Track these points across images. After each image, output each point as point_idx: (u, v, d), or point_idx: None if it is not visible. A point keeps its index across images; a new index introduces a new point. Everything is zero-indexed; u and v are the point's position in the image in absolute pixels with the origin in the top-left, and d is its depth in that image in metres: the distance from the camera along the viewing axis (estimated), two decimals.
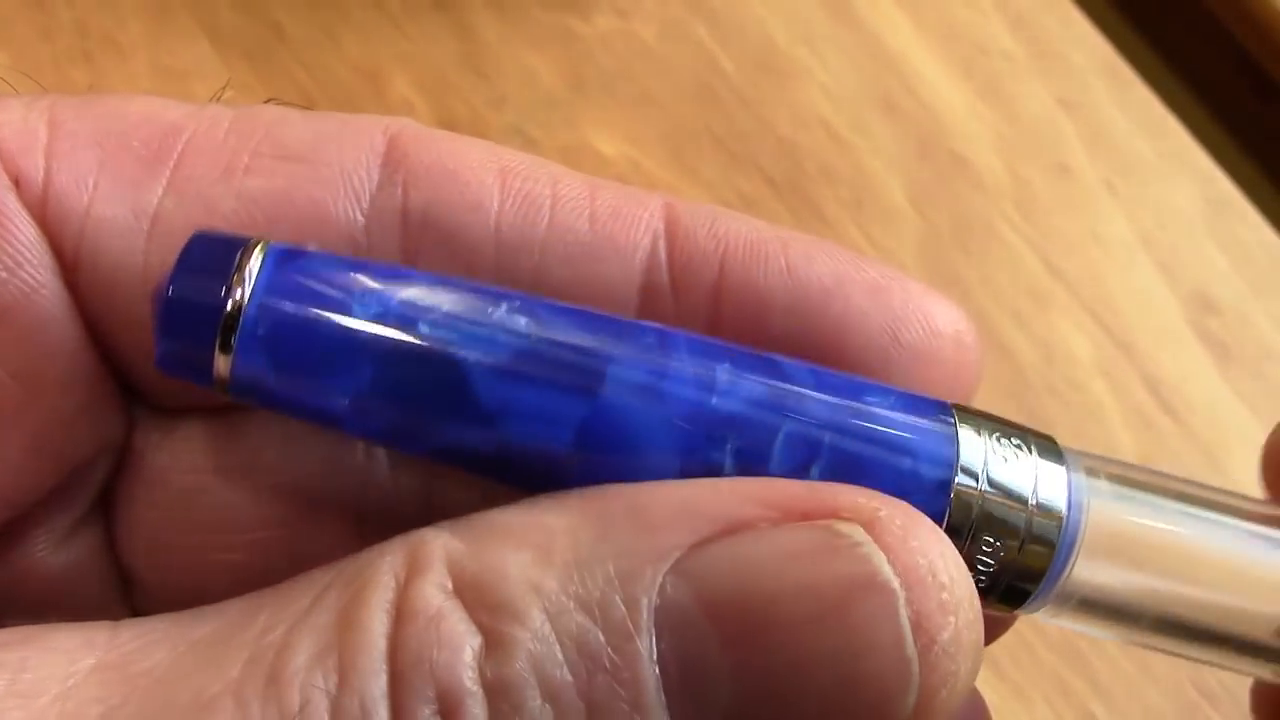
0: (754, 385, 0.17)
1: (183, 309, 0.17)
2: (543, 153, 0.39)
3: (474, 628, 0.15)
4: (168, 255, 0.18)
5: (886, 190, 0.40)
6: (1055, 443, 0.18)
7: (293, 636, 0.15)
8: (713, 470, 0.17)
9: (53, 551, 0.20)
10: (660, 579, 0.15)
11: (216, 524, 0.20)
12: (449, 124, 0.39)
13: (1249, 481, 0.37)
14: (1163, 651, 0.19)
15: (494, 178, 0.20)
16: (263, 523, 0.20)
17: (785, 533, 0.16)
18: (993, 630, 0.20)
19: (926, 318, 0.20)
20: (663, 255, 0.20)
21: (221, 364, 0.17)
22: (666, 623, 0.15)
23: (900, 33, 0.43)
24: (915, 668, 0.15)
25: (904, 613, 0.15)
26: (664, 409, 0.17)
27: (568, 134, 0.39)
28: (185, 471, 0.20)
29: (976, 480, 0.17)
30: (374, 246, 0.20)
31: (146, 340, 0.19)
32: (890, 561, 0.15)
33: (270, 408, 0.18)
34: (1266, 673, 0.19)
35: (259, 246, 0.17)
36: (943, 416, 0.18)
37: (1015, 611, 0.18)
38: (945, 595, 0.16)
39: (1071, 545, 0.18)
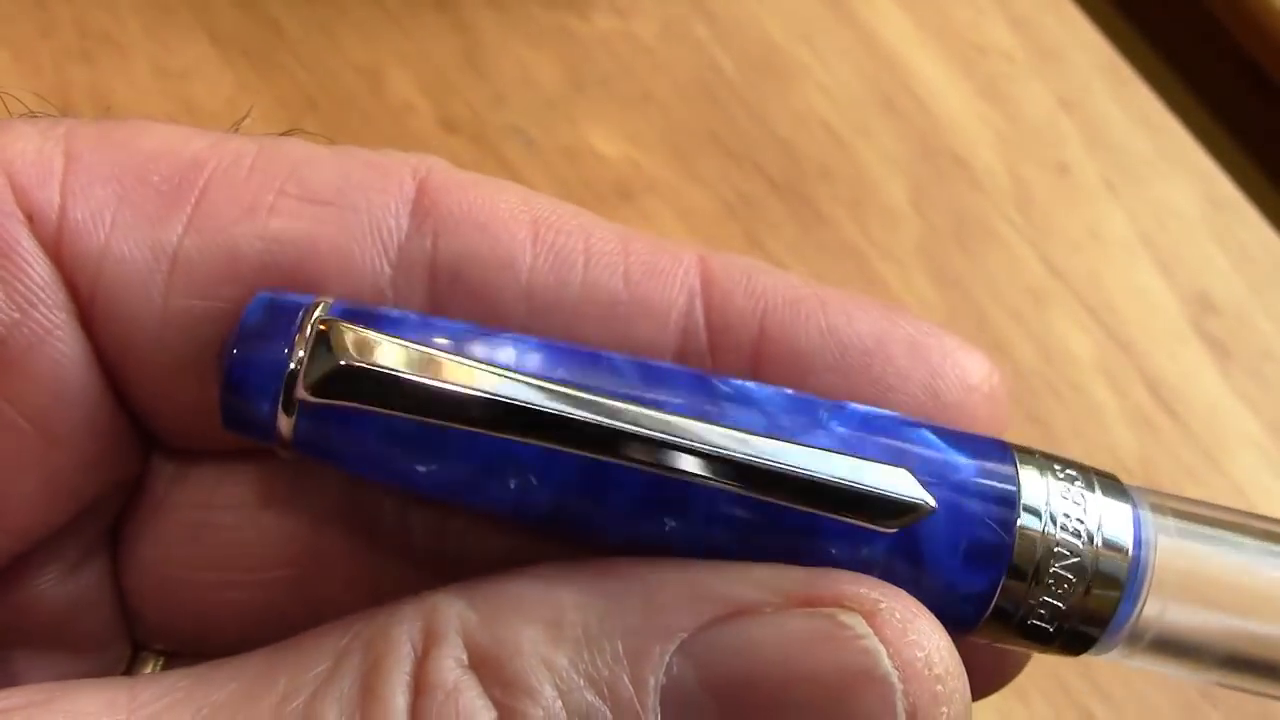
0: (807, 429, 0.17)
1: (246, 370, 0.17)
2: (543, 153, 0.39)
3: (489, 703, 0.16)
4: (187, 298, 0.18)
5: (886, 190, 0.40)
6: (1118, 480, 0.18)
7: (316, 705, 0.16)
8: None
9: (59, 583, 0.20)
10: (667, 659, 0.16)
11: (225, 561, 0.20)
12: (449, 124, 0.39)
13: (1248, 481, 0.37)
14: (1241, 690, 0.19)
15: (526, 230, 0.19)
16: (272, 562, 0.20)
17: (789, 619, 0.16)
18: (1012, 665, 0.20)
19: (962, 373, 0.20)
20: (699, 315, 0.19)
21: (285, 424, 0.17)
22: (671, 702, 0.16)
23: (900, 33, 0.43)
24: None
25: (900, 704, 0.16)
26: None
27: (568, 134, 0.39)
28: (196, 508, 0.20)
29: (1040, 519, 0.17)
30: (400, 298, 0.19)
31: (163, 382, 0.19)
32: (890, 655, 0.16)
33: (334, 466, 0.18)
34: None
35: (320, 307, 0.17)
36: (1002, 456, 0.18)
37: (1086, 654, 0.18)
38: (939, 687, 0.16)
39: (1141, 584, 0.18)
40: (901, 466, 0.17)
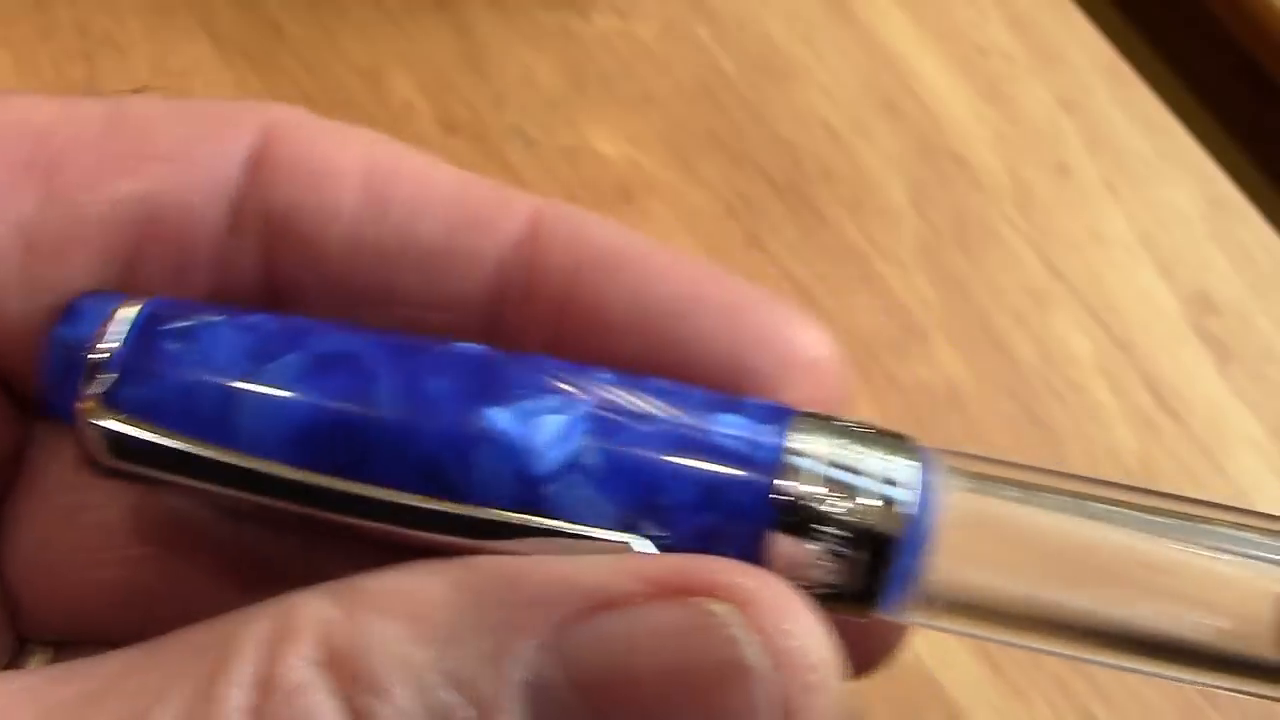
0: (556, 391, 0.17)
1: (57, 368, 0.18)
2: (543, 153, 0.39)
3: (338, 703, 0.15)
4: (45, 269, 0.19)
5: (886, 190, 0.40)
6: (908, 440, 0.18)
7: (152, 708, 0.15)
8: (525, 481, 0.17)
9: None
10: (531, 655, 0.15)
11: (94, 541, 0.20)
12: (449, 124, 0.39)
13: (1249, 481, 0.37)
14: (1061, 656, 0.18)
15: (358, 179, 0.19)
16: (137, 539, 0.20)
17: (658, 610, 0.16)
18: (889, 643, 0.20)
19: (782, 344, 0.19)
20: (518, 267, 0.19)
21: (92, 420, 0.18)
22: (536, 699, 0.15)
23: (900, 33, 0.43)
24: None
25: (772, 696, 0.15)
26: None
27: (568, 134, 0.39)
28: (70, 490, 0.20)
29: (809, 479, 0.17)
30: (240, 251, 0.19)
31: (28, 351, 0.19)
32: (762, 644, 0.16)
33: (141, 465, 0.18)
34: (1185, 676, 0.18)
35: (131, 305, 0.18)
36: (776, 418, 0.17)
37: (874, 614, 0.18)
38: (813, 677, 0.16)
39: (920, 541, 0.17)
40: (636, 535, 0.17)
